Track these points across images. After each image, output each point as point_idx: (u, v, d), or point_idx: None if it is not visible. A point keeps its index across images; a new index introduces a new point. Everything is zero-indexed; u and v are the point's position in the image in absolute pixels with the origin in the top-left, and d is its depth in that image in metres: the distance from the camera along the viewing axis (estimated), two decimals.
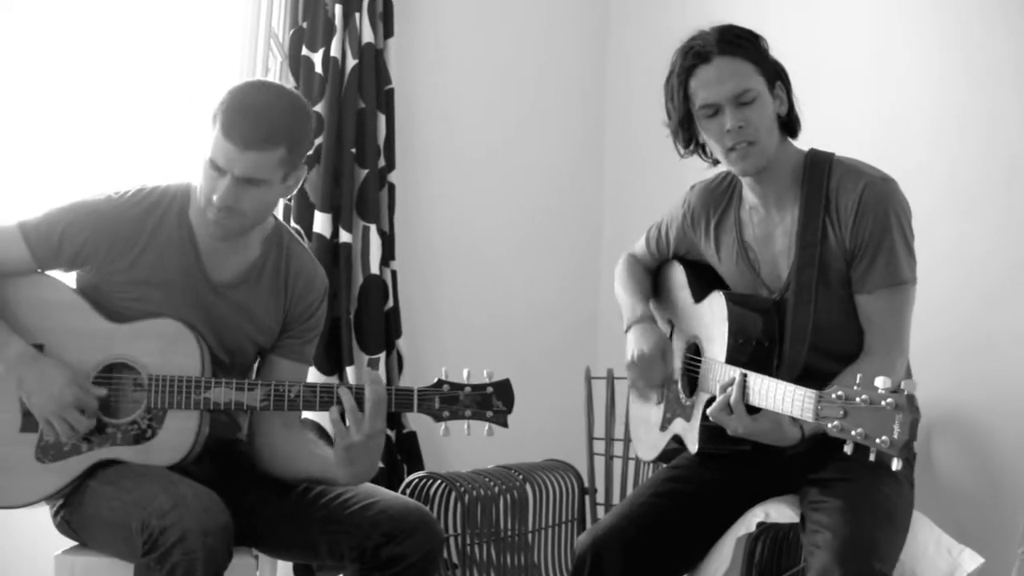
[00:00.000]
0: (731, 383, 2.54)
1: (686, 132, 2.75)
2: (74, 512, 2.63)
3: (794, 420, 2.46)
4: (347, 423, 2.60)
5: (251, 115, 2.53)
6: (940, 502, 3.27)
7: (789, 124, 2.74)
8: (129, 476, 2.55)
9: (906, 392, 2.14)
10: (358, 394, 2.59)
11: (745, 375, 2.53)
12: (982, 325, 3.37)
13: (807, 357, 2.67)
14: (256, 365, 2.86)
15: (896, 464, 2.15)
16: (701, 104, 2.66)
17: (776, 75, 2.70)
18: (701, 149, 2.78)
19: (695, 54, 2.66)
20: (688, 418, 2.81)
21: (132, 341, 2.64)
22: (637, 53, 4.57)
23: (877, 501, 2.57)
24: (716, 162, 2.79)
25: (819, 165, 2.72)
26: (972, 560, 2.70)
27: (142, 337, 2.64)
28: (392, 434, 4.00)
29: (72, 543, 2.71)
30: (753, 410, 2.52)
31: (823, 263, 2.68)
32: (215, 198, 2.55)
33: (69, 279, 2.71)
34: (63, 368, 2.59)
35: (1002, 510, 3.25)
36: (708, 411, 2.57)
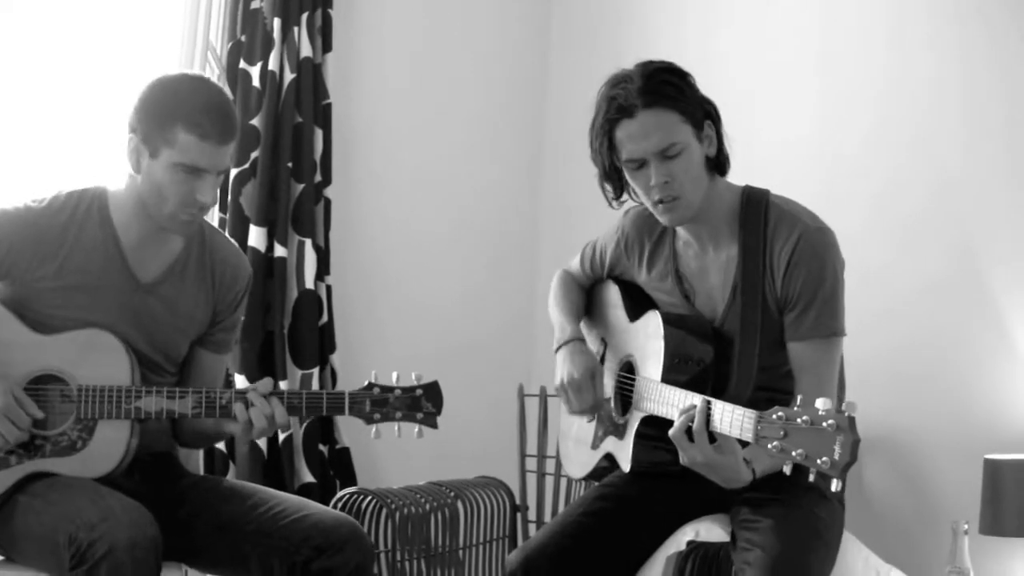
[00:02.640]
0: (691, 408, 2.44)
1: (614, 181, 2.73)
2: (1, 526, 2.59)
3: (747, 461, 2.44)
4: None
5: (215, 110, 2.58)
6: (869, 522, 3.31)
7: (719, 163, 2.70)
8: (57, 488, 2.52)
9: (847, 414, 2.12)
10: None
11: (709, 402, 2.43)
12: (914, 350, 3.41)
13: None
14: None
15: (836, 485, 2.13)
16: (626, 158, 2.62)
17: (705, 115, 2.65)
18: (632, 193, 2.75)
19: (618, 107, 2.60)
20: (621, 436, 2.81)
21: (60, 352, 2.61)
22: (577, 70, 4.58)
23: (808, 520, 2.58)
24: None
25: (755, 205, 2.68)
26: None
27: (70, 347, 2.62)
28: (325, 449, 3.98)
29: None
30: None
31: (764, 305, 2.66)
32: (201, 198, 2.59)
33: None
34: None
35: (929, 531, 3.29)
36: (669, 433, 2.46)
